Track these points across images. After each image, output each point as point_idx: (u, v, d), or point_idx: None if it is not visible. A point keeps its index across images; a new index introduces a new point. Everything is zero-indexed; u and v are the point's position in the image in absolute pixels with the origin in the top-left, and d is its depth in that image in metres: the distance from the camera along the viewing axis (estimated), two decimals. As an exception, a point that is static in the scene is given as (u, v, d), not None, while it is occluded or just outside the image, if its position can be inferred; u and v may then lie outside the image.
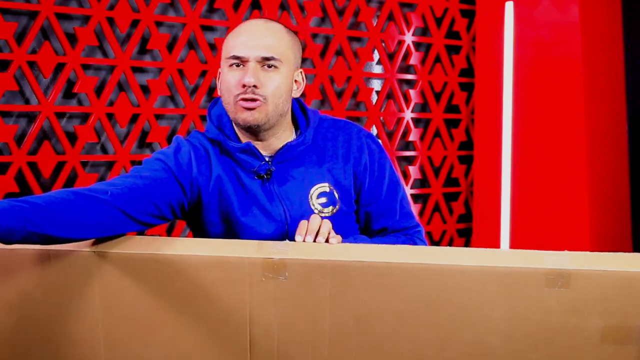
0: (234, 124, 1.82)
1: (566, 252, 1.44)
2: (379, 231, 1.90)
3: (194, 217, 1.83)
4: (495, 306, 1.43)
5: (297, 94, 1.85)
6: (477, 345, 1.45)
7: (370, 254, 1.45)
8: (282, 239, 1.77)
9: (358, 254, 1.45)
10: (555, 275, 1.41)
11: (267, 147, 1.82)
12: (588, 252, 1.45)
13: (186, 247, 1.48)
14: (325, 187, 1.83)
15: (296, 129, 1.88)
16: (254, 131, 1.79)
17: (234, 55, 1.75)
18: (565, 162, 3.41)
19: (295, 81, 1.83)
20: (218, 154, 1.82)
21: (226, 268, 1.45)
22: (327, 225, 1.63)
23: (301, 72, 1.86)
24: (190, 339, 1.49)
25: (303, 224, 1.64)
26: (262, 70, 1.75)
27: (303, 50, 1.96)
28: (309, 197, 1.81)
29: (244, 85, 1.73)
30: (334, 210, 1.82)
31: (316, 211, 1.80)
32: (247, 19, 3.28)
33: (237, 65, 1.75)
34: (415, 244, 1.88)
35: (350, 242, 1.72)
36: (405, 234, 1.88)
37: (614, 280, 1.41)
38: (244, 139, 1.81)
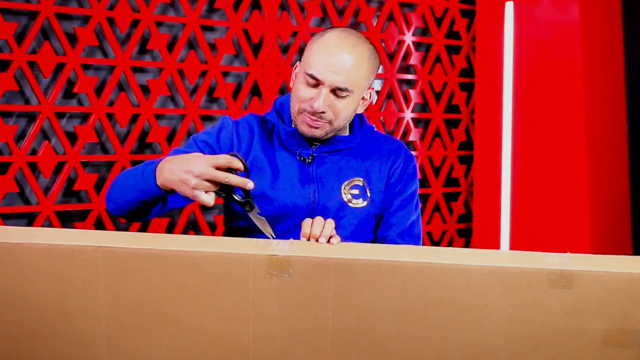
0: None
1: (569, 253, 1.44)
2: (381, 239, 1.96)
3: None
4: (498, 307, 1.43)
5: (361, 110, 1.94)
6: (480, 346, 1.45)
7: (374, 252, 1.45)
8: (307, 217, 1.85)
9: (362, 253, 1.45)
10: (558, 276, 1.41)
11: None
12: (591, 254, 1.45)
13: (191, 243, 1.48)
14: (359, 181, 1.93)
15: (350, 131, 1.98)
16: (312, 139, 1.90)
17: (312, 75, 1.82)
18: (565, 162, 3.41)
19: (363, 98, 1.91)
20: (264, 135, 1.94)
21: (230, 264, 1.45)
22: (330, 226, 1.65)
23: (371, 92, 1.93)
24: (193, 335, 1.49)
25: (307, 223, 1.66)
26: (333, 95, 1.83)
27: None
28: (342, 187, 1.91)
29: (311, 107, 1.82)
30: (364, 204, 1.92)
31: (346, 200, 1.90)
32: (247, 19, 3.28)
33: (312, 85, 1.83)
34: None
35: None
36: None
37: (616, 282, 1.41)
38: None
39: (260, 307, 1.46)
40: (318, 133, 1.87)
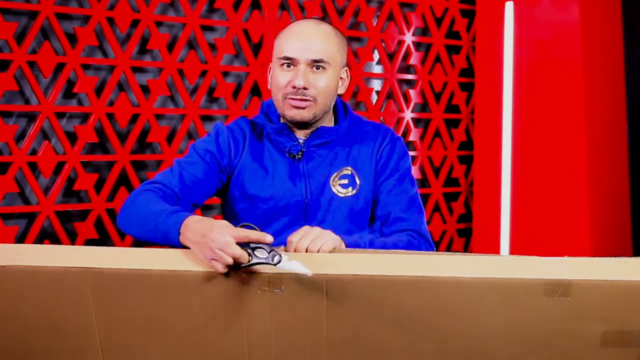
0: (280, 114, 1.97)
1: (566, 258, 1.44)
2: (382, 219, 1.96)
3: (224, 191, 2.01)
4: (495, 315, 1.43)
5: (341, 90, 1.98)
6: (477, 351, 1.45)
7: (367, 266, 1.44)
8: (300, 213, 1.93)
9: (354, 267, 1.44)
10: (555, 285, 1.41)
11: (303, 131, 1.96)
12: (588, 259, 1.45)
13: (181, 262, 1.47)
14: (348, 170, 1.96)
15: (335, 122, 2.02)
16: (300, 125, 1.93)
17: (285, 56, 1.88)
18: (565, 162, 3.41)
19: (341, 78, 1.96)
20: (254, 137, 1.98)
21: (221, 282, 1.44)
22: (320, 242, 1.61)
23: (346, 70, 1.98)
24: (187, 348, 1.49)
25: (291, 242, 1.62)
26: (311, 72, 1.88)
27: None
28: (331, 178, 1.94)
29: (294, 87, 1.86)
30: (353, 192, 1.95)
31: (335, 192, 1.93)
32: (247, 19, 3.28)
33: (288, 66, 1.88)
34: (419, 245, 1.92)
35: (357, 240, 1.75)
36: (409, 234, 1.92)
37: (614, 290, 1.41)
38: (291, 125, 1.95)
39: (253, 322, 1.45)
40: (306, 114, 1.89)
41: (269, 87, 1.96)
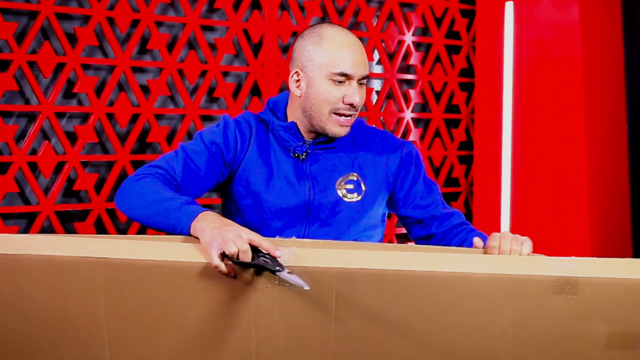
0: (287, 110, 1.97)
1: (573, 257, 1.44)
2: (428, 220, 1.99)
3: (227, 186, 1.99)
4: (503, 312, 1.43)
5: None
6: (484, 349, 1.45)
7: (376, 261, 1.44)
8: (303, 214, 1.92)
9: (364, 262, 1.44)
10: (563, 283, 1.41)
11: (311, 133, 1.95)
12: (595, 258, 1.45)
13: (191, 253, 1.47)
14: (354, 176, 1.96)
15: None
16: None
17: (342, 72, 1.85)
18: (565, 162, 3.41)
19: None
20: (261, 133, 1.97)
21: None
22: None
23: None
24: (195, 341, 1.49)
25: (494, 247, 1.68)
26: (359, 87, 1.88)
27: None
28: (337, 183, 1.94)
29: (349, 103, 1.86)
30: (358, 198, 1.94)
31: (341, 195, 1.93)
32: (247, 19, 3.28)
33: (341, 82, 1.86)
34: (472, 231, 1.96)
35: None
36: (459, 231, 1.96)
37: (621, 288, 1.41)
38: (301, 127, 1.94)
39: (262, 315, 1.45)
40: (349, 128, 1.91)
41: (298, 94, 1.91)
